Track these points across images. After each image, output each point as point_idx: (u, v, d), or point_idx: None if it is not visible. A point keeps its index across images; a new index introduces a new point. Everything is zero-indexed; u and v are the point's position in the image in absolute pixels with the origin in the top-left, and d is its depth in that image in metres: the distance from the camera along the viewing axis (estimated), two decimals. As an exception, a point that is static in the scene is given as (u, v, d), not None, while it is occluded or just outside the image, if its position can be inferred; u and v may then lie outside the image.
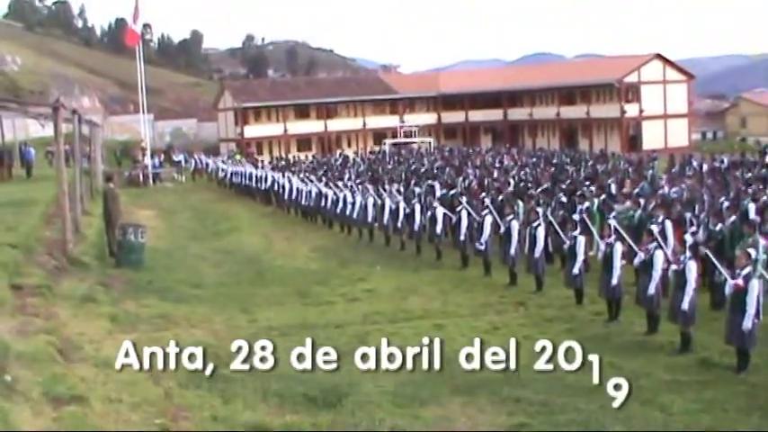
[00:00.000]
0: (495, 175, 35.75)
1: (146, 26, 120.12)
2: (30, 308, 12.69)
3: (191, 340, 13.30)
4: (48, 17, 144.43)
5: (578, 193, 25.50)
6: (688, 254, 14.47)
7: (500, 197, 26.09)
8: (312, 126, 77.90)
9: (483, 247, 21.73)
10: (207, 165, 59.08)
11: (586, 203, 23.28)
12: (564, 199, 25.26)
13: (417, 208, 25.80)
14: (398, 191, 30.00)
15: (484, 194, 26.92)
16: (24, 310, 12.49)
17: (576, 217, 20.48)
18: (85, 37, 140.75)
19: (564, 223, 20.26)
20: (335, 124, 78.65)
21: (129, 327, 13.72)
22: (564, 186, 28.73)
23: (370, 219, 28.74)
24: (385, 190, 30.68)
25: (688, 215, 21.03)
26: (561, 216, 22.06)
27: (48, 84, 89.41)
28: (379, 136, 77.90)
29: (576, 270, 17.85)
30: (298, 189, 36.12)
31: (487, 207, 22.88)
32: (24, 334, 10.94)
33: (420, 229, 25.69)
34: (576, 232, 18.29)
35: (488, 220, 21.78)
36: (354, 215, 29.57)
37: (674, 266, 14.70)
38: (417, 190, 31.35)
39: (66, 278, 16.35)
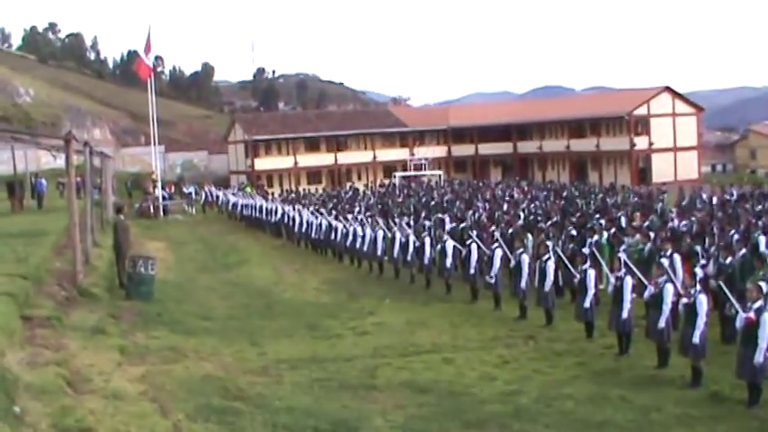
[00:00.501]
0: (505, 208, 35.73)
1: (157, 59, 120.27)
2: (39, 339, 12.60)
3: (200, 373, 13.31)
4: (61, 49, 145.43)
5: (588, 226, 25.53)
6: (698, 287, 14.39)
7: (510, 230, 26.11)
8: (322, 159, 77.95)
9: (493, 281, 21.69)
10: (217, 197, 59.34)
11: (596, 237, 23.27)
12: (574, 232, 25.24)
13: (427, 241, 25.75)
14: (408, 224, 30.04)
15: (494, 228, 27.02)
16: (34, 341, 12.40)
17: (585, 250, 20.48)
18: (98, 69, 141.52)
19: (574, 257, 20.19)
20: (345, 157, 78.55)
21: (139, 359, 13.60)
22: (574, 219, 28.68)
23: (379, 252, 28.71)
24: (395, 223, 30.78)
25: (698, 248, 20.95)
26: (571, 249, 22.06)
27: (60, 116, 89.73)
28: (388, 169, 77.57)
29: (586, 303, 17.76)
30: (308, 222, 36.22)
31: (497, 240, 22.86)
32: (34, 365, 10.88)
33: (430, 262, 25.64)
34: (587, 266, 18.21)
35: (498, 254, 21.76)
36: (364, 248, 29.56)
37: (684, 300, 14.59)
38: (427, 223, 31.46)
39: (76, 309, 16.26)
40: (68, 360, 11.79)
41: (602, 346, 17.24)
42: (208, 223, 50.39)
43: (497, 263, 21.65)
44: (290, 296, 25.05)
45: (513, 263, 21.13)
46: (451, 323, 20.12)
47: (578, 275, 18.40)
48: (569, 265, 19.82)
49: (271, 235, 41.99)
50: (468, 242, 23.49)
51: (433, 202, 42.76)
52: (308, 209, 39.08)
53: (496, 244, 22.38)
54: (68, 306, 16.25)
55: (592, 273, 17.98)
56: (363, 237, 29.76)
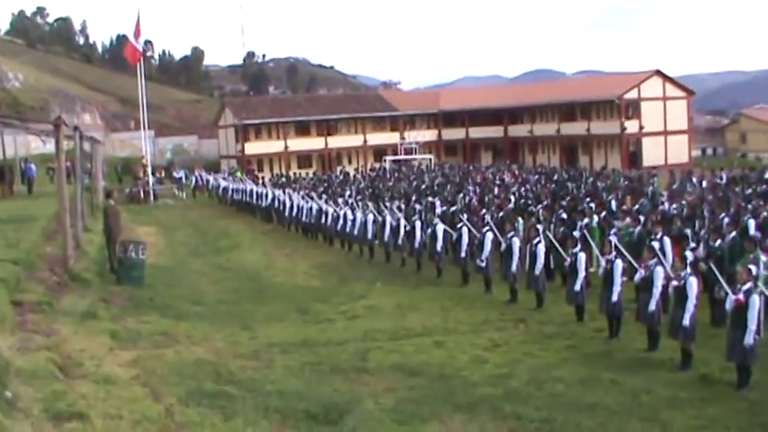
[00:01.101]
0: (496, 191, 35.76)
1: (147, 43, 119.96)
2: (30, 324, 12.59)
3: (192, 357, 13.32)
4: (49, 34, 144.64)
5: (579, 209, 25.49)
6: (688, 270, 14.44)
7: (500, 214, 26.10)
8: (313, 143, 77.79)
9: (483, 264, 21.70)
10: (207, 181, 59.22)
11: (586, 220, 23.28)
12: (564, 216, 25.22)
13: (418, 225, 25.77)
14: (399, 208, 30.00)
15: (484, 211, 26.95)
16: (25, 326, 12.39)
17: (576, 234, 20.43)
18: (87, 54, 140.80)
19: (564, 240, 20.21)
20: (336, 141, 78.34)
21: (130, 343, 13.59)
22: (564, 203, 28.72)
23: (370, 236, 28.74)
24: (385, 207, 30.75)
25: (688, 231, 20.99)
26: (562, 233, 22.05)
27: (49, 100, 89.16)
28: (379, 153, 77.70)
29: (577, 287, 17.81)
30: (298, 206, 36.20)
31: (488, 224, 22.85)
32: (25, 350, 10.86)
33: (420, 246, 25.66)
34: (577, 249, 18.23)
35: (489, 237, 21.77)
36: (355, 232, 29.58)
37: (674, 283, 14.63)
38: (418, 207, 31.49)
39: (66, 294, 16.20)
40: (59, 345, 11.77)
41: (592, 329, 17.29)
42: (198, 208, 50.21)
43: (488, 246, 21.67)
44: (280, 280, 25.01)
45: (503, 246, 21.13)
46: (442, 306, 20.13)
47: (569, 259, 18.40)
48: (560, 249, 19.85)
49: (261, 219, 41.95)
50: (458, 226, 23.48)
51: (423, 186, 42.75)
52: (299, 193, 39.02)
53: (487, 227, 22.39)
54: (59, 291, 16.21)
55: (582, 256, 18.01)
56: (354, 221, 29.74)
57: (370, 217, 29.00)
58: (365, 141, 79.41)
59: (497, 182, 42.63)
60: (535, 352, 15.54)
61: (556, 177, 44.41)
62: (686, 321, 14.00)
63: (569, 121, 75.12)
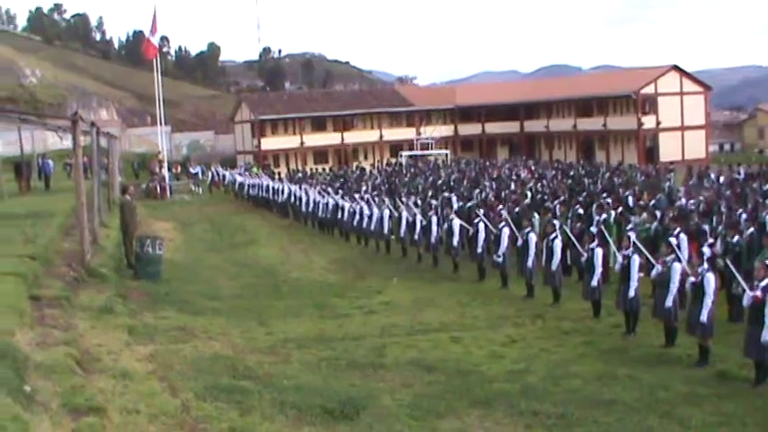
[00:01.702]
0: (512, 187, 35.67)
1: (163, 39, 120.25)
2: (49, 319, 12.58)
3: (209, 352, 13.33)
4: (66, 30, 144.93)
5: (595, 205, 25.34)
6: (706, 266, 14.35)
7: (517, 209, 26.01)
8: (329, 138, 77.55)
9: (500, 260, 21.65)
10: (224, 177, 59.27)
11: (603, 215, 23.15)
12: (581, 211, 25.17)
13: (434, 220, 25.72)
14: (415, 203, 30.03)
15: (501, 207, 26.86)
16: (43, 321, 12.38)
17: (593, 229, 20.38)
18: (103, 50, 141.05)
19: (581, 235, 20.07)
20: (352, 136, 78.02)
21: (147, 338, 13.61)
22: (581, 199, 28.56)
23: (386, 231, 28.72)
24: (402, 202, 30.67)
25: (705, 227, 20.85)
26: (578, 228, 21.92)
27: (66, 96, 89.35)
28: (395, 148, 77.46)
29: (594, 282, 17.75)
30: (314, 201, 36.19)
31: (504, 219, 22.78)
32: (43, 345, 10.87)
33: (437, 241, 25.62)
34: (594, 244, 18.16)
35: (505, 233, 21.71)
36: (371, 227, 29.57)
37: (691, 279, 14.54)
38: (434, 202, 31.38)
39: (84, 290, 16.17)
40: (77, 340, 11.79)
41: (609, 324, 17.23)
42: (215, 203, 50.17)
43: (505, 242, 21.62)
44: (297, 276, 24.95)
45: (520, 242, 21.07)
46: (459, 302, 20.09)
47: (585, 254, 18.32)
48: (577, 244, 19.75)
49: (278, 215, 41.96)
50: (475, 221, 23.44)
51: (439, 182, 42.68)
52: (315, 188, 38.99)
53: (504, 223, 22.33)
54: (77, 286, 16.21)
55: (599, 251, 17.95)
56: (370, 216, 29.73)
57: (387, 212, 29.00)
58: (381, 137, 79.31)
59: (513, 177, 42.53)
60: (552, 348, 15.49)
61: (572, 173, 44.34)
62: (703, 318, 13.93)
63: (586, 116, 74.80)
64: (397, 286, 22.59)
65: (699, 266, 14.61)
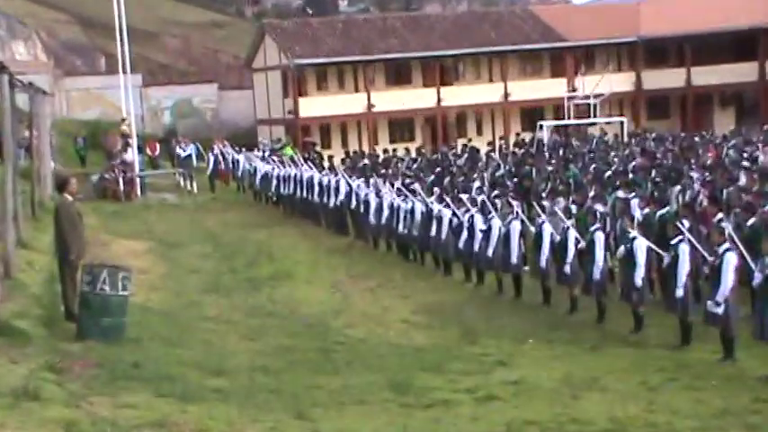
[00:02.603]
0: (743, 180, 26.72)
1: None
2: None
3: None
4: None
5: None
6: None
7: (752, 222, 18.56)
8: (416, 98, 52.95)
9: (719, 309, 14.02)
10: (235, 164, 42.83)
11: None
12: None
13: (599, 240, 18.16)
14: (567, 210, 22.08)
15: (720, 216, 19.12)
16: None
17: None
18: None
19: None
20: (456, 95, 53.28)
21: (99, 445, 10.69)
22: None
23: (514, 258, 20.96)
24: (542, 208, 22.83)
25: None
26: None
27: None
28: (531, 114, 53.45)
29: None
30: (391, 207, 27.40)
31: (729, 239, 15.31)
32: None
33: (603, 276, 18.12)
34: None
35: (731, 263, 14.22)
36: (489, 252, 21.71)
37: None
38: (600, 208, 22.88)
39: (-12, 358, 12.95)
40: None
41: None
42: (219, 208, 37.79)
43: (730, 280, 14.28)
44: (361, 334, 19.00)
45: (758, 279, 13.65)
46: (643, 382, 14.13)
47: None
48: None
49: (329, 229, 32.01)
50: (674, 242, 16.07)
51: (609, 172, 30.71)
52: (392, 184, 29.65)
53: (727, 245, 14.74)
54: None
55: None
56: (488, 232, 21.92)
57: (516, 227, 21.32)
58: (506, 95, 54.22)
59: (745, 163, 31.98)
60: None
61: None
62: None
63: None
64: (533, 353, 16.74)
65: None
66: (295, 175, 33.96)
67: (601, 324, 17.53)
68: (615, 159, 33.47)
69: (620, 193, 24.03)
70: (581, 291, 18.63)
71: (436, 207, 24.46)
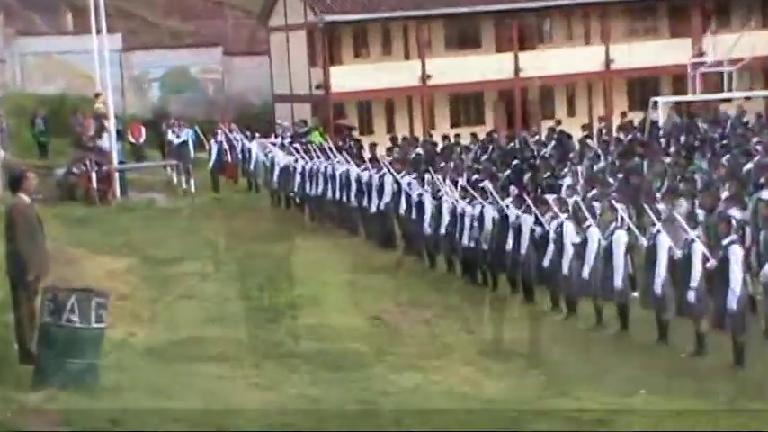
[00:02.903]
0: None
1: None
2: None
3: None
4: None
5: None
6: None
7: None
8: (484, 66, 42.03)
9: None
10: (246, 153, 35.82)
11: None
12: None
13: (735, 256, 14.96)
14: (692, 216, 17.61)
15: None
16: None
17: None
18: None
19: None
20: (537, 62, 42.17)
21: None
22: None
23: (619, 281, 16.76)
24: (658, 215, 18.41)
25: None
26: None
27: None
28: (640, 87, 42.86)
29: None
30: (453, 212, 22.63)
31: None
32: None
33: (741, 305, 15.08)
34: None
35: None
36: (585, 273, 17.47)
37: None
38: (736, 214, 18.34)
39: None
40: None
41: None
42: (224, 213, 31.45)
43: None
44: (412, 382, 15.21)
45: None
46: None
47: None
48: None
49: (369, 240, 26.98)
50: None
51: (749, 165, 25.48)
52: (455, 182, 24.47)
53: None
54: None
55: None
56: (583, 246, 17.75)
57: (622, 238, 17.11)
58: (608, 62, 42.93)
59: None
60: None
61: None
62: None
63: None
64: (645, 410, 13.81)
65: None
66: (325, 170, 28.69)
67: (739, 370, 14.72)
68: (758, 148, 27.22)
69: (765, 194, 20.15)
70: (710, 325, 15.83)
71: (513, 212, 20.13)
